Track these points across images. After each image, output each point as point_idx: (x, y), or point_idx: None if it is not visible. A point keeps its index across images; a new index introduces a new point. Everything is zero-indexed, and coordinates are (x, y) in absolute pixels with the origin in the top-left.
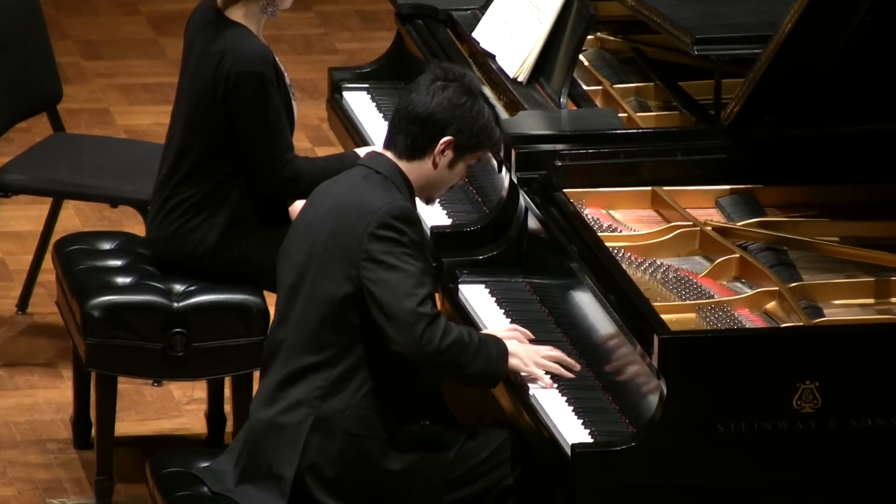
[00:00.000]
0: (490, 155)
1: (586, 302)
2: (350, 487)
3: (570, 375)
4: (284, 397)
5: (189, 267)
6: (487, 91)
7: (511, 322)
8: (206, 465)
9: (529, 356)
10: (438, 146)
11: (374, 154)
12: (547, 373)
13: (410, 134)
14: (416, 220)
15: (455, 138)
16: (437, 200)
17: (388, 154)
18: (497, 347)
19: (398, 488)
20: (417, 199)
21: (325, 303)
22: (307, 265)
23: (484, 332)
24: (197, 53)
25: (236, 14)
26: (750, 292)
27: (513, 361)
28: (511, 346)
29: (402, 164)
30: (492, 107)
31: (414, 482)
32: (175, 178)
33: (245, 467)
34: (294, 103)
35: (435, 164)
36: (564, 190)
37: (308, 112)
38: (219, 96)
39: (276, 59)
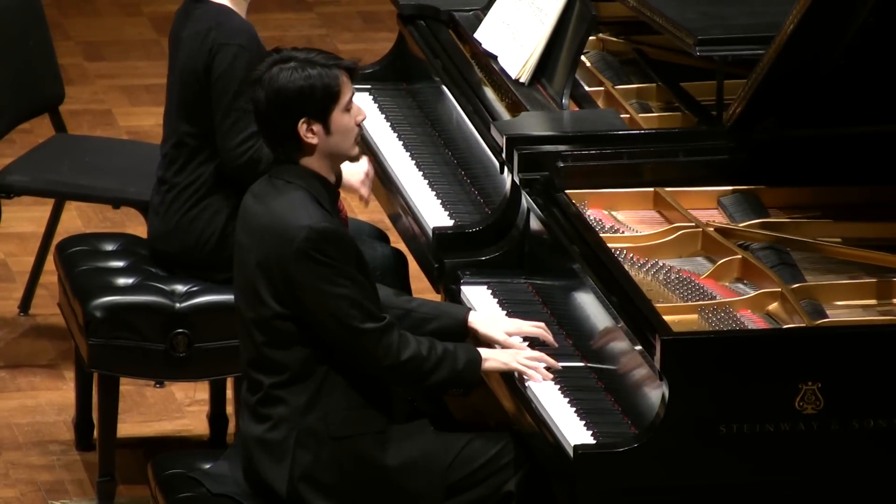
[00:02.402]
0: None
1: (588, 303)
2: (350, 491)
3: (550, 375)
4: (268, 416)
5: (194, 258)
6: (489, 92)
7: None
8: (206, 468)
9: (511, 356)
10: (302, 135)
11: (278, 162)
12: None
13: (278, 143)
14: (335, 238)
15: (305, 115)
16: (439, 201)
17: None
18: (467, 356)
19: (398, 481)
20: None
21: (266, 325)
22: (244, 288)
23: (497, 326)
24: (184, 38)
25: None
26: (752, 293)
27: (488, 365)
28: (486, 352)
29: (302, 161)
30: (315, 51)
31: (412, 476)
32: (173, 168)
33: (248, 477)
34: None
35: (313, 146)
36: (566, 191)
37: None
38: (202, 70)
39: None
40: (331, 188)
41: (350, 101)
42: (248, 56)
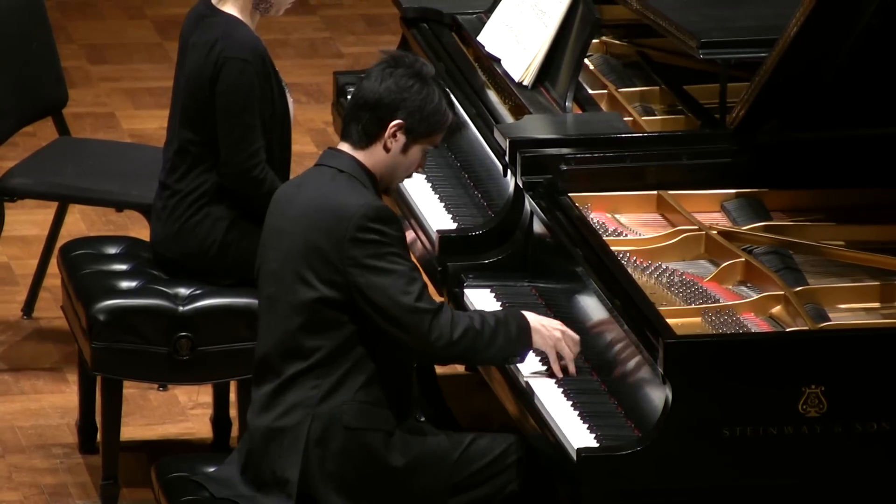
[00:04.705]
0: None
1: (592, 306)
2: (356, 483)
3: (572, 370)
4: (281, 403)
5: (196, 264)
6: (492, 95)
7: None
8: (208, 472)
9: (552, 336)
10: (389, 130)
11: (331, 151)
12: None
13: (361, 120)
14: (392, 218)
15: (405, 121)
16: (442, 204)
17: (345, 146)
18: (517, 324)
19: (404, 482)
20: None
21: (306, 309)
22: (283, 273)
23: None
24: (191, 45)
25: (229, 6)
26: (755, 296)
27: (535, 338)
28: (532, 321)
29: (359, 154)
30: (446, 93)
31: (418, 476)
32: (176, 174)
33: (253, 477)
34: (290, 101)
35: (387, 149)
36: (570, 194)
37: (313, 116)
38: (207, 82)
39: (269, 56)
40: (378, 187)
41: (430, 149)
42: (253, 70)
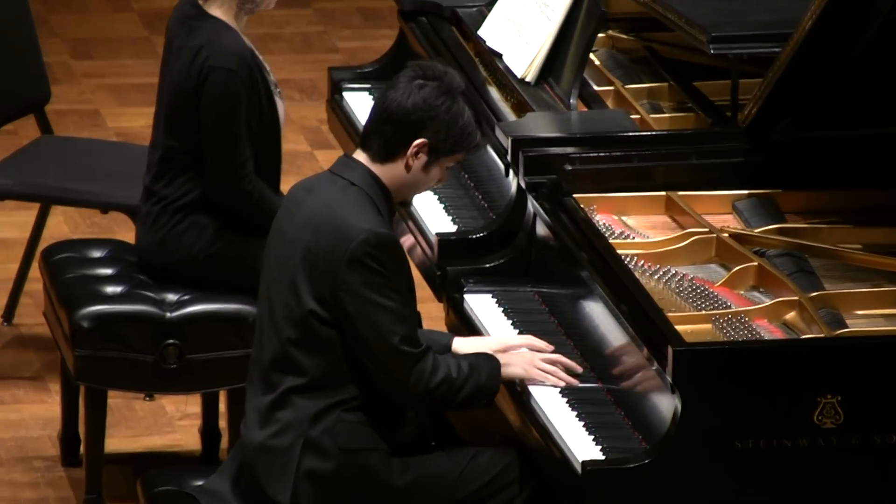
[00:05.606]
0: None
1: (597, 312)
2: None
3: (572, 381)
4: (275, 420)
5: (182, 272)
6: (494, 92)
7: (519, 333)
8: (199, 483)
9: (528, 362)
10: (412, 148)
11: (346, 160)
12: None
13: (384, 135)
14: (394, 248)
15: (429, 140)
16: (442, 206)
17: (362, 157)
18: (488, 368)
19: (404, 500)
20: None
21: (300, 321)
22: (280, 279)
23: (484, 344)
24: (176, 49)
25: (215, 9)
26: (768, 302)
27: (509, 371)
28: (504, 357)
29: (376, 168)
30: (474, 108)
31: (418, 496)
32: (161, 181)
33: (244, 492)
34: (280, 102)
35: (408, 167)
36: (574, 195)
37: (307, 114)
38: (192, 92)
39: (260, 59)
40: (391, 203)
41: (453, 164)
42: (238, 80)
